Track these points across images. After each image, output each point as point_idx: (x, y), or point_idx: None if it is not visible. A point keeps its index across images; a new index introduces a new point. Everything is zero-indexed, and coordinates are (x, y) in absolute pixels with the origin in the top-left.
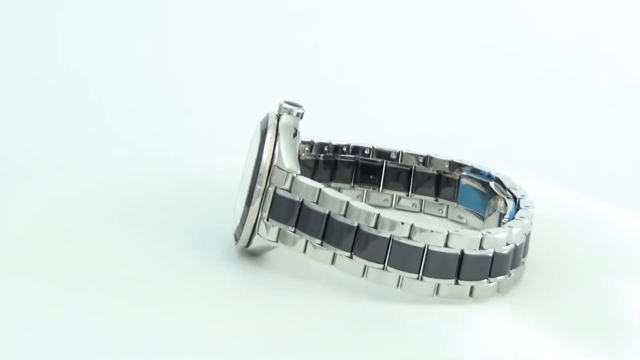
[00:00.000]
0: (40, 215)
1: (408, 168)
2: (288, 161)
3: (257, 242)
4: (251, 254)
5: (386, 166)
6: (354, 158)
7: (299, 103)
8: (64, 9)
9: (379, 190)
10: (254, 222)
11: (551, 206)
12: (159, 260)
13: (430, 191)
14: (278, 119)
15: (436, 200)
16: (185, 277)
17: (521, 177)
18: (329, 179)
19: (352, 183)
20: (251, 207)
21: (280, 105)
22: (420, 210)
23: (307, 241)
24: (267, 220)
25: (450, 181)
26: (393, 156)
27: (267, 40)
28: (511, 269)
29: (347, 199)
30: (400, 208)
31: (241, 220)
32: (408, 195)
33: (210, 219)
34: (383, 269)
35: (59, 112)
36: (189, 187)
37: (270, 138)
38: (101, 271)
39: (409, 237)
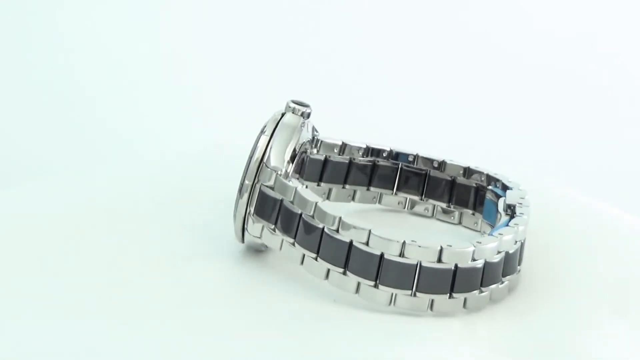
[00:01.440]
0: (41, 215)
1: (450, 178)
2: (275, 159)
3: (247, 237)
4: (255, 249)
5: (429, 175)
6: (396, 164)
7: (307, 102)
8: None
9: (421, 199)
10: (243, 216)
11: (560, 212)
12: (161, 258)
13: (469, 203)
14: (282, 117)
15: (473, 214)
16: (181, 275)
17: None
18: (367, 184)
19: (394, 190)
20: (240, 201)
21: (287, 104)
22: (459, 223)
23: (282, 239)
24: (253, 215)
25: (484, 194)
26: (435, 165)
27: (282, 41)
28: (484, 286)
29: (316, 200)
30: (440, 219)
31: (234, 214)
32: (448, 207)
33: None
34: (343, 273)
35: (61, 112)
36: (199, 183)
37: (265, 135)
38: (102, 270)
39: (367, 244)
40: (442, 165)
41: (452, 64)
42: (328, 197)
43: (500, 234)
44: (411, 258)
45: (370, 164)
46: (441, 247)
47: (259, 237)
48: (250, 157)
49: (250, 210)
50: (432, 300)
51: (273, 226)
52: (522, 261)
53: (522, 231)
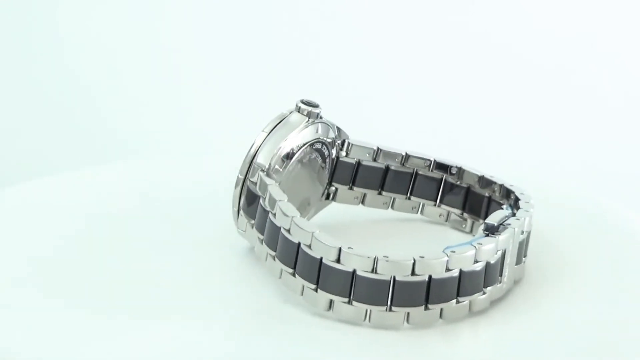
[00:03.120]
0: (52, 209)
1: (487, 195)
2: (263, 156)
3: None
4: None
5: (469, 190)
6: (439, 175)
7: (316, 102)
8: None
9: (461, 214)
10: (236, 209)
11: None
12: (168, 250)
13: None
14: (289, 116)
15: None
16: (177, 267)
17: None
18: (406, 192)
19: (436, 202)
20: (234, 192)
21: (296, 103)
22: None
23: (257, 236)
24: (241, 210)
25: None
26: (476, 179)
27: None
28: (432, 303)
29: (279, 199)
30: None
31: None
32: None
33: None
34: (292, 274)
35: (63, 113)
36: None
37: (264, 132)
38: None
39: (310, 247)
40: (481, 180)
41: (457, 65)
42: (363, 202)
43: (453, 251)
44: (347, 265)
45: (410, 172)
46: (376, 257)
47: (244, 231)
48: (247, 153)
49: (241, 204)
50: (369, 311)
51: (253, 222)
52: (494, 282)
53: (488, 250)
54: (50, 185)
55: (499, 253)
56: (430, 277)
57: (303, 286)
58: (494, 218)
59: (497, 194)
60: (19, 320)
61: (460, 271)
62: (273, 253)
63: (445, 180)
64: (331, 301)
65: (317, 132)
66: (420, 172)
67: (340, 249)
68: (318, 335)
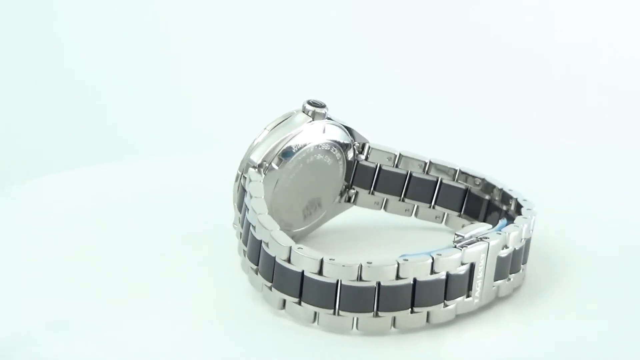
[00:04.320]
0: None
1: (504, 209)
2: (256, 154)
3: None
4: None
5: (490, 202)
6: (464, 186)
7: (322, 103)
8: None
9: None
10: (236, 203)
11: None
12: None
13: None
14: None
15: None
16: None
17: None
18: (430, 201)
19: (460, 212)
20: (234, 186)
21: (302, 103)
22: None
23: (240, 232)
24: (235, 204)
25: None
26: (497, 191)
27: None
28: (382, 310)
29: (255, 196)
30: None
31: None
32: None
33: None
34: (256, 272)
35: (63, 113)
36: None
37: (266, 130)
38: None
39: (267, 245)
40: (500, 193)
41: (460, 66)
42: (384, 208)
43: (406, 259)
44: (296, 266)
45: (434, 180)
46: (322, 258)
47: (237, 225)
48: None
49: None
50: (317, 314)
51: (240, 216)
52: (460, 295)
53: (448, 262)
54: (50, 185)
55: (466, 266)
56: (379, 283)
57: (262, 284)
58: (466, 230)
59: (512, 208)
60: (18, 318)
61: (415, 280)
62: (245, 248)
63: (469, 191)
64: (284, 301)
65: (323, 132)
66: (444, 181)
67: (290, 249)
68: (274, 334)
